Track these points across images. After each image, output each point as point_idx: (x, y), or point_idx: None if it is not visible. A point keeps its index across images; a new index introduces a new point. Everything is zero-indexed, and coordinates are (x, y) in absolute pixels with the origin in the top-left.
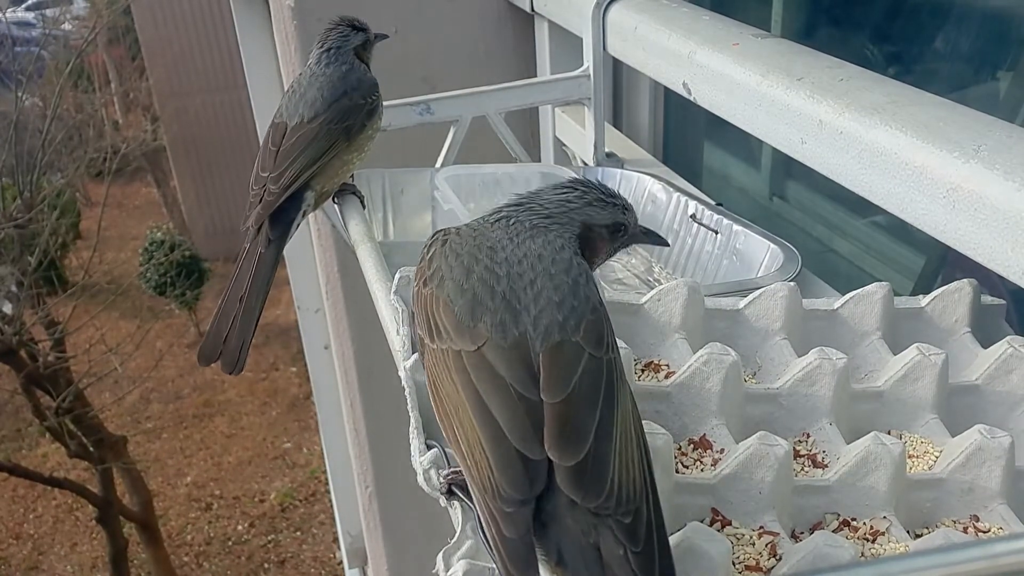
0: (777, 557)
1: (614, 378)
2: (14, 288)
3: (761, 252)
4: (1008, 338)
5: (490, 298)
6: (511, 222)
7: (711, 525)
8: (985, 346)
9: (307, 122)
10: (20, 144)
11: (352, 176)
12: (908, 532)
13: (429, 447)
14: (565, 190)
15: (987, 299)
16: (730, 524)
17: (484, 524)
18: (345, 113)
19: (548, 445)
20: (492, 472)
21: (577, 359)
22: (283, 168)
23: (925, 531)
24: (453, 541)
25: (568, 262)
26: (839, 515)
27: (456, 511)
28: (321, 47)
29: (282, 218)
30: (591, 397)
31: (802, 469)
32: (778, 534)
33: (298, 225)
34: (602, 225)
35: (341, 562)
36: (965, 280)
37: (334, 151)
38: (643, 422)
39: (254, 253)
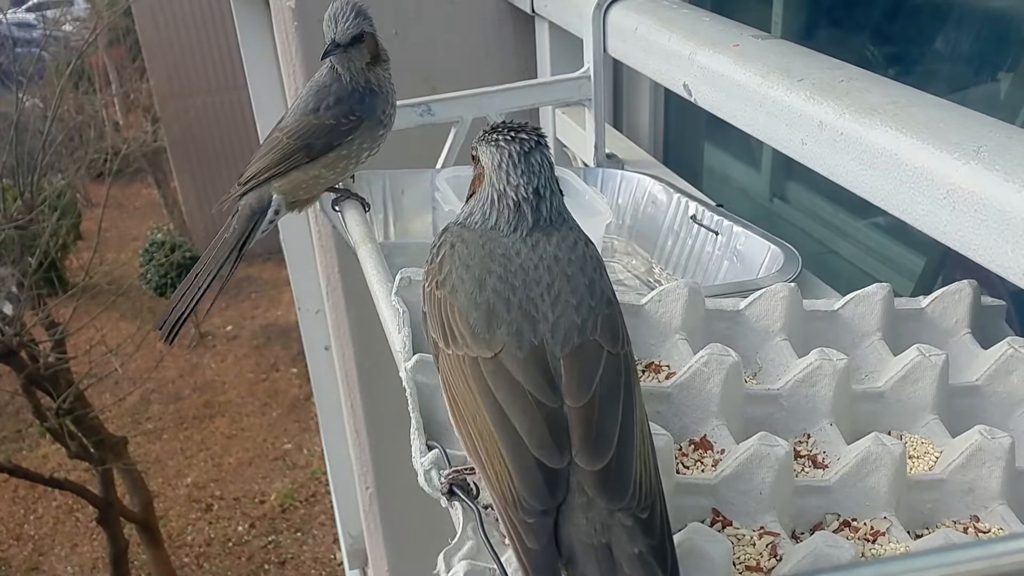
0: (778, 557)
1: (630, 374)
2: (15, 289)
3: (761, 253)
4: (1008, 339)
5: (506, 310)
6: (523, 221)
7: (712, 526)
8: (985, 347)
9: (278, 130)
10: (21, 145)
11: (353, 178)
12: (908, 532)
13: (430, 448)
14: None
15: (987, 300)
16: (731, 525)
17: (505, 535)
18: (307, 132)
19: (575, 451)
20: (513, 482)
21: (597, 359)
22: (246, 168)
23: (925, 531)
24: (454, 541)
25: (583, 258)
26: (839, 515)
27: (457, 511)
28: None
29: (248, 213)
30: (612, 398)
31: (803, 470)
32: (779, 534)
33: (269, 222)
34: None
35: (341, 563)
36: (965, 281)
37: (290, 164)
38: None
39: (220, 238)
